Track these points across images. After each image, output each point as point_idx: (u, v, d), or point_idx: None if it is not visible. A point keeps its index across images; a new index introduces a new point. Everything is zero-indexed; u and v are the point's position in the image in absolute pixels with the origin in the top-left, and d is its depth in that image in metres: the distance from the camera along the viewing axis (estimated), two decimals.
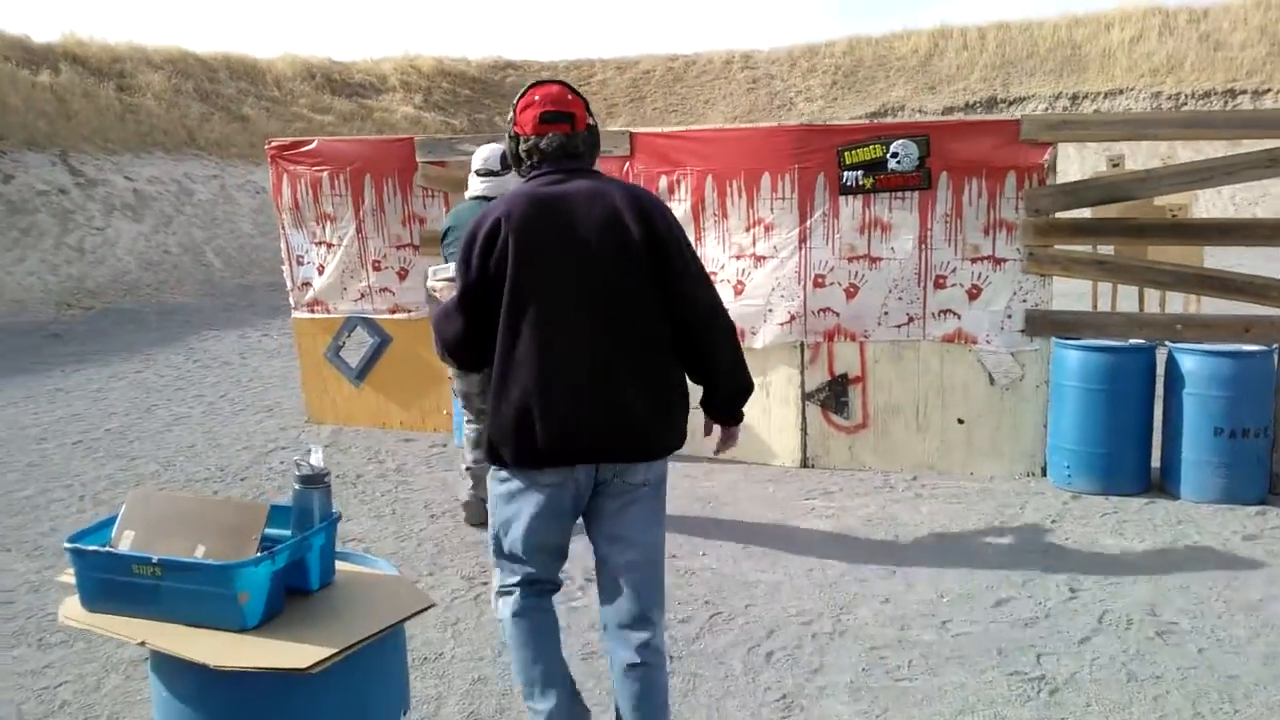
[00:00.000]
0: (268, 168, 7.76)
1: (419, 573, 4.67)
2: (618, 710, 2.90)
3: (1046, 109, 26.59)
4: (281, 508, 2.50)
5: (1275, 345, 5.46)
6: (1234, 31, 25.97)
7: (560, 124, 2.83)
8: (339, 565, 2.58)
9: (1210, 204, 20.74)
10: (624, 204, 2.79)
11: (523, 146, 2.88)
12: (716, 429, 3.17)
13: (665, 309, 2.82)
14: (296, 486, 2.47)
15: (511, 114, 2.90)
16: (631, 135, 6.51)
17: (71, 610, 2.35)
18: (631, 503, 2.82)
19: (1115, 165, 11.10)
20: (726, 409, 3.10)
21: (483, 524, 4.66)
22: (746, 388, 3.09)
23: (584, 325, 2.74)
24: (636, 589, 2.83)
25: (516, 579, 2.91)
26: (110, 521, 2.44)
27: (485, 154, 5.12)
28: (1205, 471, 5.46)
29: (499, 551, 2.93)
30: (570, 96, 2.89)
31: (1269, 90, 24.67)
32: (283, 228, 7.68)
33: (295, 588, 2.41)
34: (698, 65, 31.55)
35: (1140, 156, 14.85)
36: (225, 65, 23.48)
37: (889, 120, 26.77)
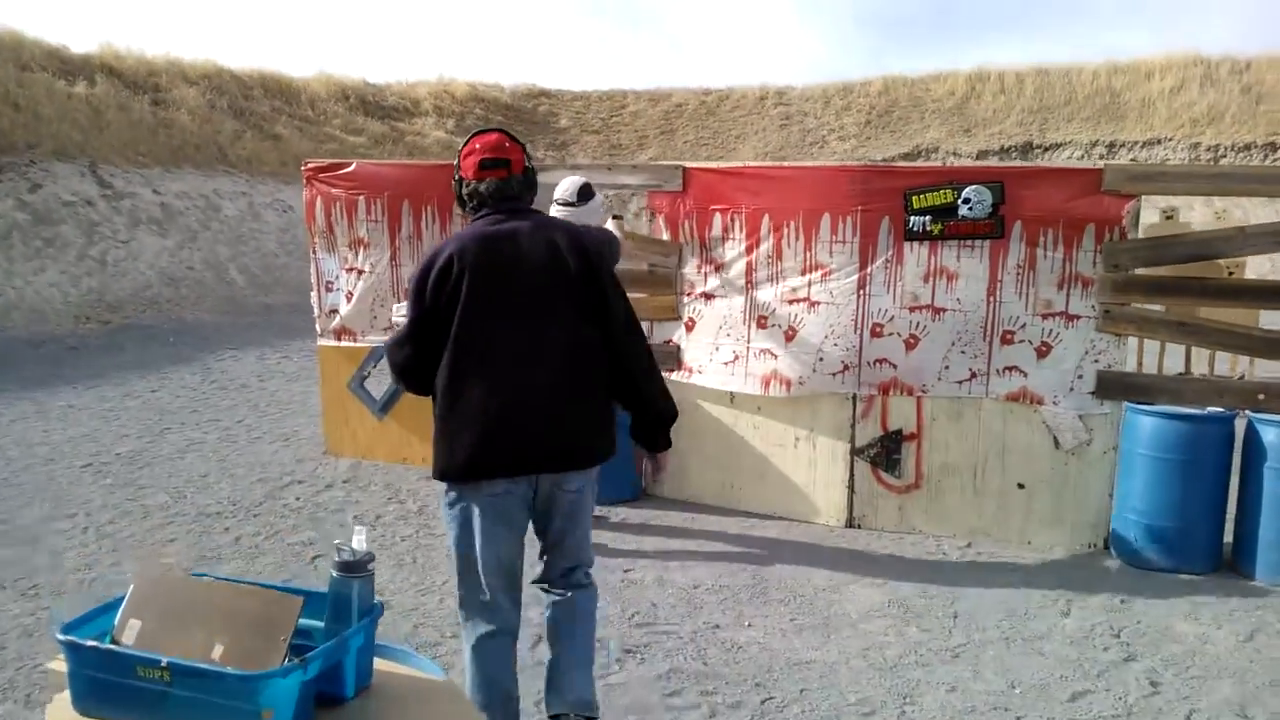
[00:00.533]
0: (298, 186, 7.49)
1: (442, 634, 4.31)
2: (550, 627, 3.35)
3: (1083, 156, 26.23)
4: (314, 594, 2.13)
5: None
6: (1278, 84, 25.59)
7: (498, 170, 3.18)
8: (377, 663, 2.20)
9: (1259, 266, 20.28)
10: (563, 240, 3.17)
11: (465, 190, 3.23)
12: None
13: (598, 337, 3.19)
14: (335, 574, 2.10)
15: (457, 159, 3.24)
16: (685, 170, 6.20)
17: (60, 713, 1.98)
18: (569, 504, 3.23)
19: (1169, 217, 10.71)
20: (649, 434, 3.45)
21: None
22: (668, 415, 3.43)
23: (526, 350, 3.09)
24: (571, 552, 3.32)
25: (482, 631, 3.20)
26: (114, 605, 2.08)
27: (567, 185, 5.10)
28: None
29: (464, 578, 3.20)
30: (508, 144, 3.23)
31: None
32: (314, 251, 7.39)
33: (327, 694, 2.04)
34: (731, 100, 31.36)
35: (1194, 211, 14.47)
36: (260, 83, 23.40)
37: (921, 162, 26.51)
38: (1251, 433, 5.21)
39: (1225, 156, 25.05)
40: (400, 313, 4.35)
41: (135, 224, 15.90)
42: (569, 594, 3.34)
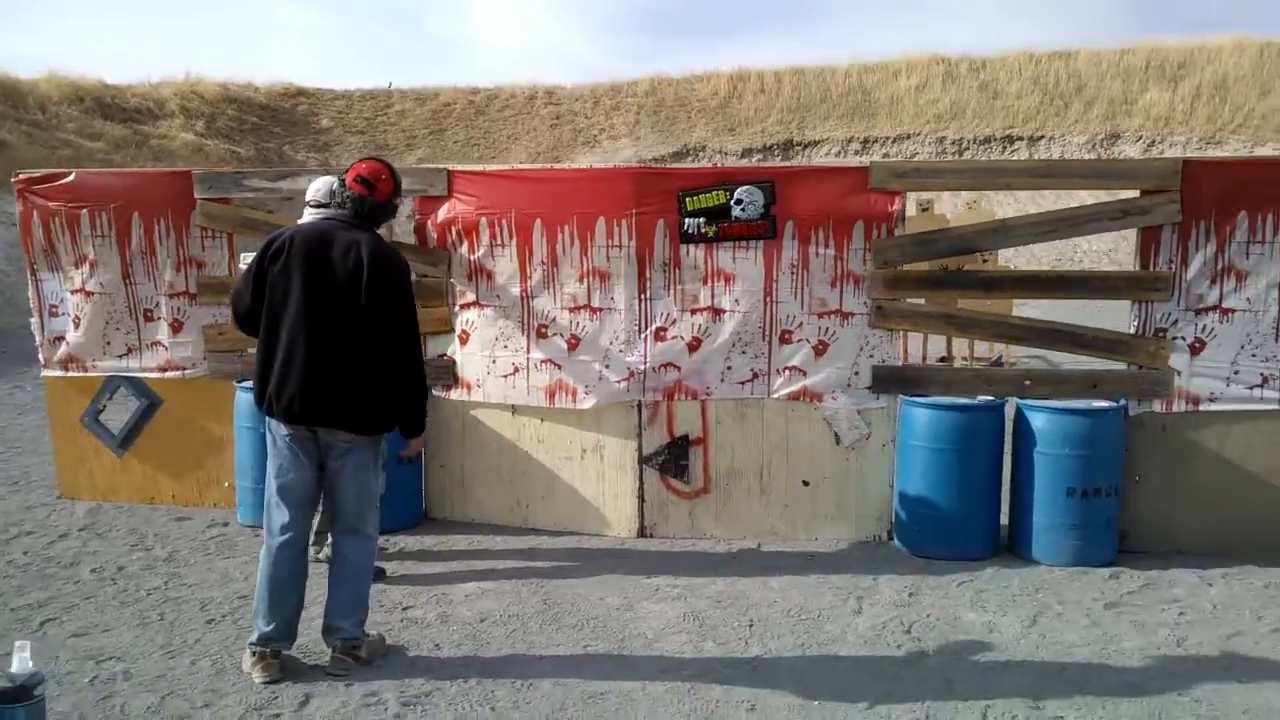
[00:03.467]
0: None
1: (193, 703, 3.79)
2: (328, 568, 4.22)
3: (839, 152, 27.54)
4: None
5: (1123, 401, 5.36)
6: (1010, 81, 27.75)
7: (361, 188, 4.03)
8: None
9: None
10: (365, 253, 3.91)
11: (337, 192, 4.12)
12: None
13: (375, 330, 3.93)
14: None
15: (349, 166, 4.11)
16: (450, 173, 5.85)
17: None
18: (344, 456, 4.02)
19: (924, 209, 11.24)
20: (404, 421, 4.15)
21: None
22: (419, 410, 4.15)
23: (313, 328, 3.89)
24: (348, 510, 4.09)
25: (276, 541, 4.02)
26: None
27: (319, 186, 4.96)
28: (1058, 534, 5.27)
29: (269, 494, 4.09)
30: (384, 175, 4.07)
31: (1042, 137, 26.44)
32: (33, 273, 6.52)
33: None
34: (500, 99, 30.94)
35: (944, 202, 15.33)
36: None
37: (690, 162, 27.05)
38: (1020, 418, 5.42)
39: (968, 149, 26.93)
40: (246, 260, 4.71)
41: None
42: (338, 540, 4.14)
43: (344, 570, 4.10)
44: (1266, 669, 4.12)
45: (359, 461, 4.04)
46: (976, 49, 29.74)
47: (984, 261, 10.14)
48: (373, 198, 4.02)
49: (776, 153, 28.15)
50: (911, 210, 12.07)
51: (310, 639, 4.20)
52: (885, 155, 26.98)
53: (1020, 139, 26.26)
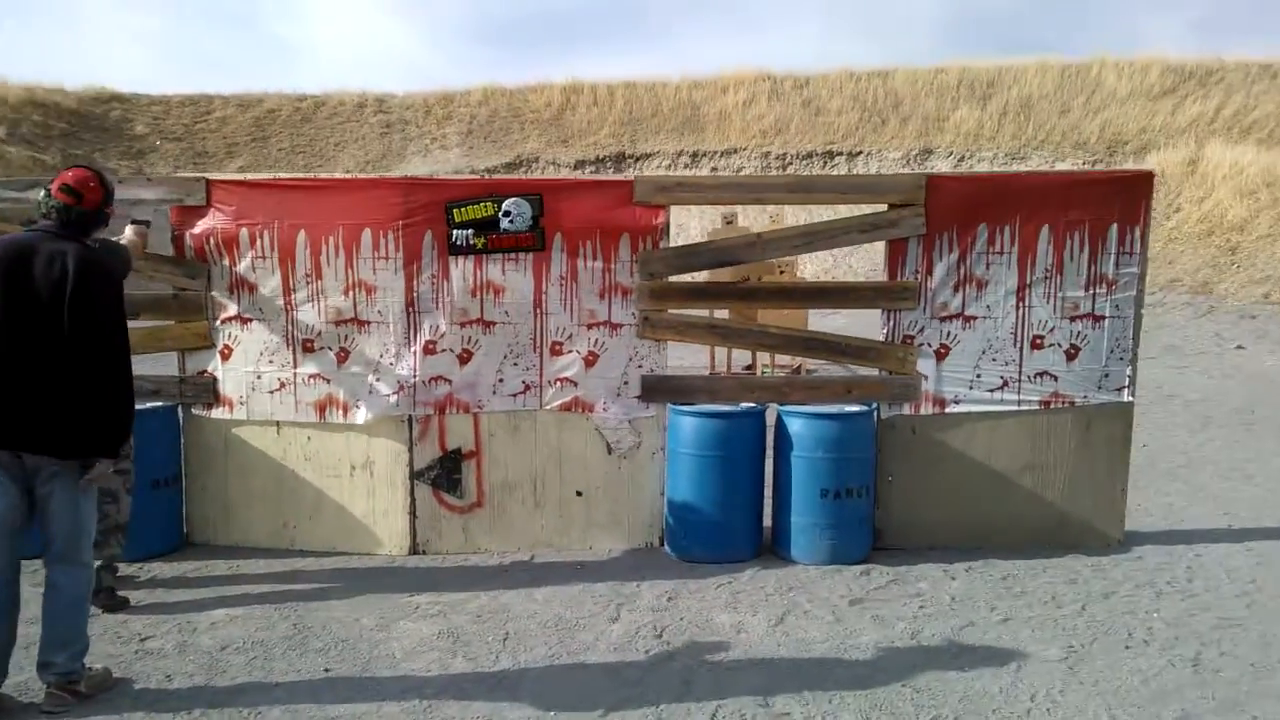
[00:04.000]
0: None
1: None
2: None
3: (669, 165, 27.96)
4: None
5: (875, 405, 5.61)
6: (832, 98, 28.75)
7: (68, 197, 3.85)
8: None
9: (818, 265, 22.59)
10: (72, 264, 3.72)
11: (42, 203, 3.90)
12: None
13: (82, 344, 3.71)
14: None
15: (54, 176, 3.94)
16: (208, 183, 5.64)
17: None
18: (52, 480, 3.78)
19: (729, 222, 11.53)
20: (100, 441, 3.83)
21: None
22: (117, 432, 3.86)
23: (13, 346, 3.67)
24: (60, 537, 3.84)
25: None
26: None
27: None
28: (813, 534, 5.46)
29: None
30: (92, 183, 3.91)
31: (861, 152, 27.47)
32: None
33: None
34: (328, 106, 30.13)
35: (750, 215, 15.71)
36: None
37: (523, 172, 27.01)
38: (780, 424, 5.60)
39: (791, 164, 27.75)
40: None
41: None
42: (51, 570, 3.89)
43: (57, 602, 3.87)
44: (988, 656, 4.37)
45: (68, 485, 3.82)
46: (801, 67, 30.68)
47: (781, 273, 10.50)
48: (80, 206, 3.85)
49: (609, 165, 28.35)
50: (719, 224, 12.39)
51: (29, 675, 3.96)
52: (714, 169, 27.56)
53: (840, 154, 27.24)
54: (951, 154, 27.38)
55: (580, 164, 27.87)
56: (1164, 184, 21.70)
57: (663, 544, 5.74)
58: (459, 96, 30.69)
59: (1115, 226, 5.47)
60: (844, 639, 4.53)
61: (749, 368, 11.48)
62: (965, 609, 4.92)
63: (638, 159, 28.72)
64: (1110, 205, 5.45)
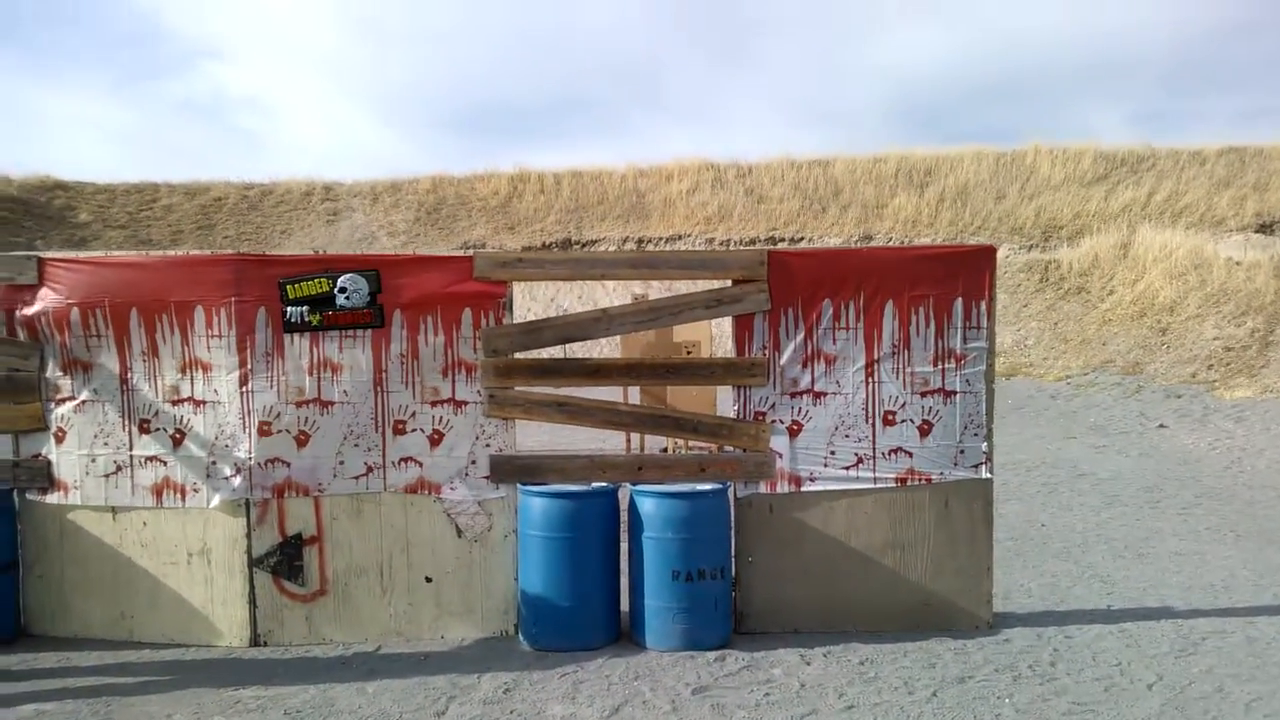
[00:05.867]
0: None
1: None
2: None
3: (616, 250, 28.16)
4: None
5: (729, 483, 5.46)
6: (774, 186, 29.21)
7: None
8: None
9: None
10: None
11: None
12: None
13: None
14: None
15: None
16: (40, 261, 5.49)
17: None
18: None
19: (638, 298, 11.48)
20: None
21: None
22: None
23: None
24: None
25: None
26: None
27: None
28: (666, 618, 5.26)
29: None
30: None
31: (803, 239, 27.80)
32: None
33: None
34: (275, 194, 30.24)
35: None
36: None
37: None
38: (631, 504, 5.43)
39: (735, 249, 28.00)
40: None
41: None
42: None
43: None
44: None
45: None
46: (743, 155, 31.24)
47: (689, 352, 10.43)
48: None
49: (555, 250, 28.51)
50: (628, 298, 12.33)
51: None
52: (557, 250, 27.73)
53: (783, 240, 27.54)
54: (891, 239, 27.76)
55: (528, 249, 27.99)
56: (1098, 268, 22.11)
57: (517, 632, 5.51)
58: (407, 184, 30.90)
59: (960, 301, 5.43)
60: None
61: (665, 449, 11.32)
62: (812, 696, 4.72)
63: (585, 244, 28.92)
64: (955, 280, 5.42)
